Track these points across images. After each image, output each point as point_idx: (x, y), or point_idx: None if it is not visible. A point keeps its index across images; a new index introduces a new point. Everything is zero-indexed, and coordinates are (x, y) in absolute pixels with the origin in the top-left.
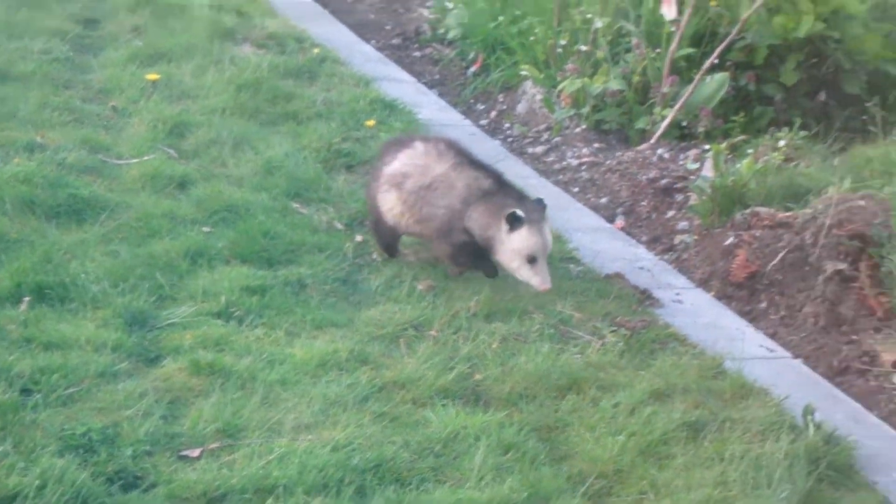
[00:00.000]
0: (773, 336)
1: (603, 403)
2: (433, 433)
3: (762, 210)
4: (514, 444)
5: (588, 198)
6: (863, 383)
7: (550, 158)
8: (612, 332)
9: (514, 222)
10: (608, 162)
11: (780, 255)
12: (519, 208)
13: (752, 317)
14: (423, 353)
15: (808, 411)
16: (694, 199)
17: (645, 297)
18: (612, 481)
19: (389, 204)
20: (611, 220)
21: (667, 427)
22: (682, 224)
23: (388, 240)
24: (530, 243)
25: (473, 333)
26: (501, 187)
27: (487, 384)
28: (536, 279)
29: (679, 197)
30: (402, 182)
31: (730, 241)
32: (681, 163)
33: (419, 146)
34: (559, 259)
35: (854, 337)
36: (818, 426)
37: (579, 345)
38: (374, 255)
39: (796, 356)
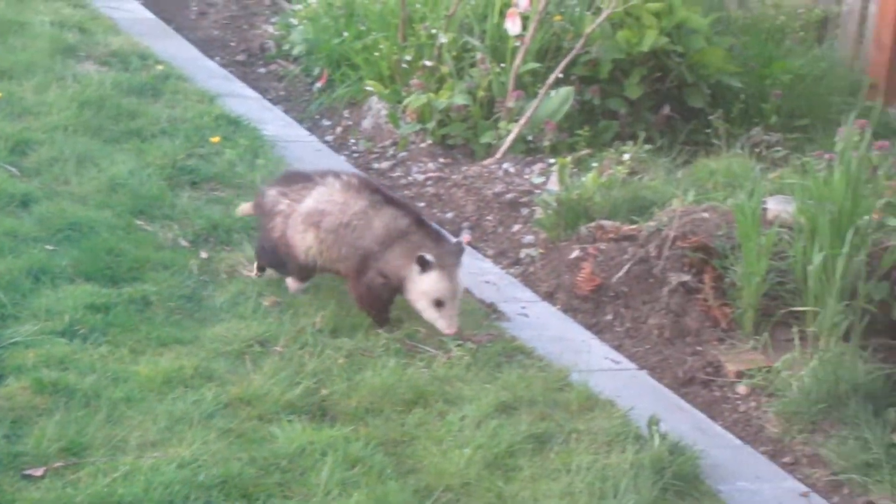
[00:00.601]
0: (618, 348)
1: (450, 417)
2: (279, 449)
3: (607, 223)
4: (361, 459)
5: (434, 213)
6: (707, 393)
7: (396, 174)
8: (459, 345)
9: (423, 265)
10: (454, 177)
11: (625, 267)
12: (435, 250)
13: (597, 329)
14: (268, 369)
15: (654, 422)
16: (539, 212)
17: (491, 311)
18: (459, 494)
19: (308, 243)
20: (457, 234)
21: (513, 439)
22: (528, 238)
23: (284, 273)
24: (439, 287)
25: (319, 349)
26: (419, 227)
27: (334, 399)
28: (441, 322)
29: (525, 211)
30: (320, 221)
31: (575, 254)
32: (526, 177)
33: (334, 182)
34: None
35: (698, 348)
36: (663, 436)
37: (425, 359)
38: (223, 274)
39: (641, 368)
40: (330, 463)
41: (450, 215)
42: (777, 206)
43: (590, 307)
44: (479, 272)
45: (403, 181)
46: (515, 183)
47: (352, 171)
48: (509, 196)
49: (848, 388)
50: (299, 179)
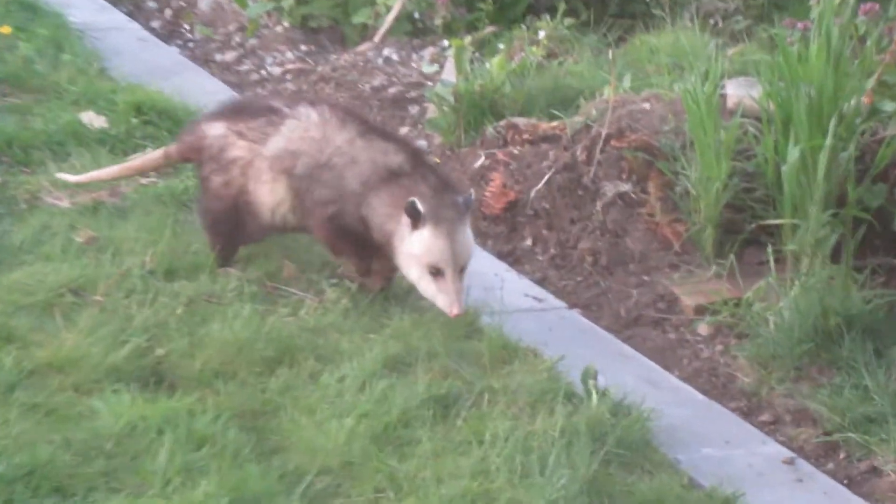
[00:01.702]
0: (541, 282)
1: (324, 378)
2: (103, 427)
3: (520, 121)
4: (210, 437)
5: None
6: (659, 336)
7: (245, 67)
8: (334, 286)
9: (414, 216)
10: (320, 68)
11: (546, 177)
12: (432, 200)
13: (513, 259)
14: (85, 325)
15: (590, 375)
16: (433, 110)
17: None
18: (339, 477)
19: (278, 197)
20: None
21: (408, 404)
22: (420, 143)
23: (238, 243)
24: (433, 249)
25: (151, 296)
26: (416, 168)
27: (172, 361)
28: (442, 298)
29: (414, 109)
30: (293, 165)
31: (481, 162)
32: (414, 65)
33: (309, 113)
34: None
35: (645, 277)
36: (603, 393)
37: (291, 304)
38: (23, 204)
39: (572, 306)
40: (169, 443)
41: None
42: (739, 92)
43: (503, 230)
44: None
45: (254, 76)
46: (400, 73)
47: (339, 102)
48: (393, 91)
49: (840, 321)
50: (259, 112)
